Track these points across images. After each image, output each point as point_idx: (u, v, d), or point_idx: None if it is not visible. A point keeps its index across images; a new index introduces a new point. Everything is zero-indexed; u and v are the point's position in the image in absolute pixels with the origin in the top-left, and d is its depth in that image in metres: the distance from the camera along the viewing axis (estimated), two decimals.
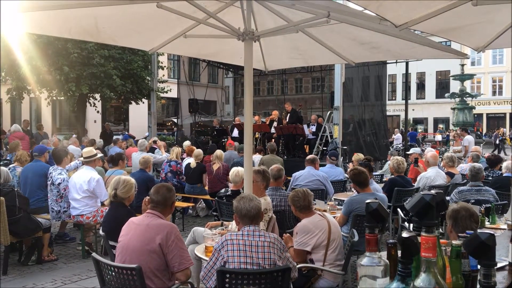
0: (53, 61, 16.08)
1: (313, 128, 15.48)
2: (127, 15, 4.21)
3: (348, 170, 10.46)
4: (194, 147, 11.26)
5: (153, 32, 4.81)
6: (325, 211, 5.48)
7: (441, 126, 46.88)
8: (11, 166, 8.21)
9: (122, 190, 4.73)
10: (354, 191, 6.71)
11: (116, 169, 7.95)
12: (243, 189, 5.06)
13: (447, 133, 37.14)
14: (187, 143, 13.13)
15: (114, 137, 16.76)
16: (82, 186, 6.71)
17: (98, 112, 20.64)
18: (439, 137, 35.25)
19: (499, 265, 2.40)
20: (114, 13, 4.11)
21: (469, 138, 17.16)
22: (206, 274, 3.32)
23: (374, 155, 14.92)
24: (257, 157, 10.76)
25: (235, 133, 16.68)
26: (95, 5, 3.84)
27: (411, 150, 11.37)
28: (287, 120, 15.30)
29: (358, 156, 9.44)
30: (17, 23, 4.17)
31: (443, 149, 22.14)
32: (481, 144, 22.73)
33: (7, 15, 3.72)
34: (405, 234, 1.87)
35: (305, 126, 14.96)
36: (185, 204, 9.01)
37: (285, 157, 14.42)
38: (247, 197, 3.51)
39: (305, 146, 15.25)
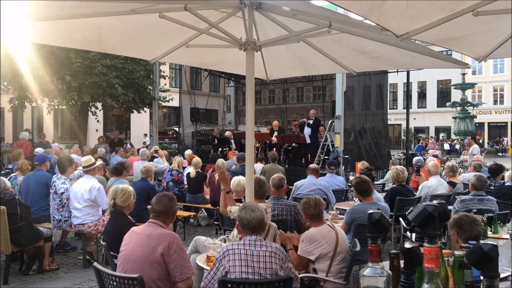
0: (56, 70, 16.16)
1: (311, 122, 15.22)
2: (129, 25, 4.24)
3: (352, 178, 10.45)
4: (196, 156, 11.27)
5: (155, 42, 4.84)
6: (326, 220, 5.45)
7: (442, 135, 46.87)
8: (12, 175, 8.22)
9: (121, 198, 4.73)
10: (356, 200, 6.70)
11: (118, 178, 7.94)
12: (244, 198, 5.05)
13: (449, 142, 37.10)
14: (188, 152, 13.13)
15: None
16: (83, 195, 6.70)
17: (98, 121, 20.67)
18: (447, 146, 35.00)
19: (501, 275, 2.39)
20: (116, 23, 4.13)
21: (476, 147, 17.28)
22: (207, 284, 3.30)
23: (375, 164, 14.90)
24: (258, 166, 10.75)
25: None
26: (98, 15, 3.86)
27: (415, 159, 11.36)
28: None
29: (363, 165, 9.40)
30: (20, 33, 4.19)
31: (445, 158, 22.10)
32: (483, 153, 22.71)
33: (10, 24, 3.74)
34: (407, 245, 1.86)
35: (306, 136, 14.90)
36: (186, 213, 8.99)
37: (287, 166, 14.42)
38: (250, 207, 3.49)
39: (308, 154, 15.23)
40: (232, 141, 16.77)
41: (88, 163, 7.12)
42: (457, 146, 35.03)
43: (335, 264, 4.11)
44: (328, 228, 4.23)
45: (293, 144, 15.30)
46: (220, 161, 9.62)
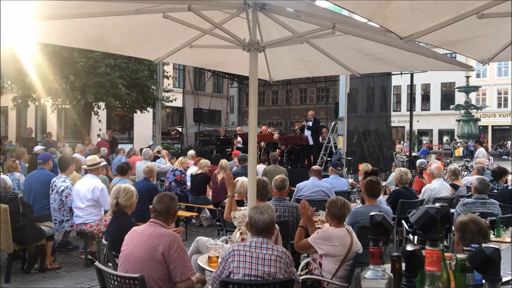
0: (59, 70, 16.20)
1: (310, 124, 14.93)
2: (133, 25, 4.24)
3: (351, 181, 10.42)
4: (200, 157, 11.32)
5: (159, 42, 4.84)
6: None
7: (446, 138, 46.75)
8: (8, 174, 8.24)
9: (124, 198, 4.73)
10: (359, 202, 6.68)
11: (122, 178, 7.94)
12: (246, 199, 5.04)
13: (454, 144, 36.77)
14: (191, 152, 13.15)
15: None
16: (86, 195, 6.70)
17: (100, 121, 20.70)
18: (460, 150, 34.33)
19: (503, 279, 2.37)
20: (120, 23, 4.14)
21: (482, 151, 17.41)
22: (214, 282, 3.32)
23: (378, 166, 14.84)
24: (260, 167, 10.74)
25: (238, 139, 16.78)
26: (102, 15, 3.86)
27: (418, 162, 11.34)
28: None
29: (367, 166, 9.37)
30: (24, 32, 4.20)
31: (448, 160, 22.04)
32: (490, 156, 22.65)
33: (14, 24, 3.75)
34: (409, 248, 1.86)
35: (309, 137, 14.86)
36: (188, 214, 8.99)
37: (289, 167, 14.40)
38: (260, 208, 3.47)
39: (311, 156, 15.21)
40: (240, 138, 16.72)
41: (93, 162, 7.15)
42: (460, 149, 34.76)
43: (343, 269, 4.10)
44: (345, 232, 4.21)
45: (295, 146, 15.28)
46: (223, 161, 9.64)
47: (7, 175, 7.97)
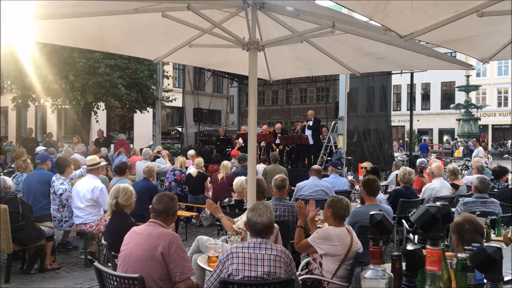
0: (59, 70, 16.17)
1: (310, 123, 14.69)
2: (132, 24, 4.23)
3: (350, 178, 10.42)
4: (200, 157, 11.31)
5: (158, 41, 4.83)
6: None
7: (446, 137, 46.74)
8: (17, 173, 8.23)
9: (124, 198, 4.71)
10: (359, 202, 6.67)
11: (120, 178, 7.94)
12: (246, 199, 5.04)
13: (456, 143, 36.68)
14: (191, 152, 13.14)
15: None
16: (86, 195, 6.70)
17: (97, 122, 20.66)
18: (461, 150, 34.04)
19: (505, 278, 2.36)
20: (119, 22, 4.13)
21: (481, 150, 17.50)
22: (209, 286, 3.29)
23: (378, 166, 14.84)
24: (260, 167, 10.72)
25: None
26: (101, 14, 3.86)
27: (418, 161, 11.32)
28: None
29: (369, 164, 9.33)
30: (23, 32, 4.19)
31: (448, 160, 22.02)
32: (489, 155, 22.67)
33: (13, 23, 3.74)
34: (410, 247, 1.84)
35: (309, 137, 14.82)
36: (188, 214, 8.98)
37: (289, 167, 14.38)
38: (259, 210, 3.43)
39: (311, 155, 15.17)
40: (240, 139, 16.69)
41: (93, 163, 7.14)
42: (461, 148, 34.63)
43: (343, 268, 4.09)
44: (345, 231, 4.19)
45: (295, 146, 15.24)
46: (225, 162, 9.64)
47: (16, 175, 7.98)
